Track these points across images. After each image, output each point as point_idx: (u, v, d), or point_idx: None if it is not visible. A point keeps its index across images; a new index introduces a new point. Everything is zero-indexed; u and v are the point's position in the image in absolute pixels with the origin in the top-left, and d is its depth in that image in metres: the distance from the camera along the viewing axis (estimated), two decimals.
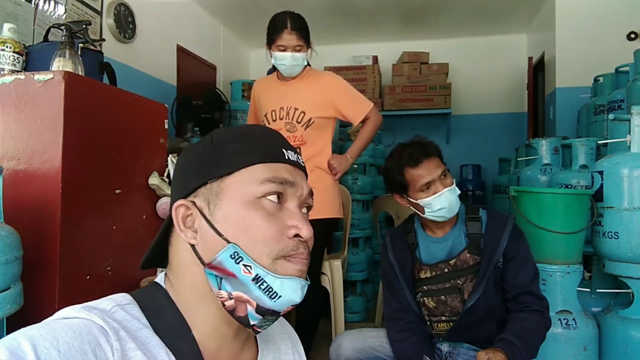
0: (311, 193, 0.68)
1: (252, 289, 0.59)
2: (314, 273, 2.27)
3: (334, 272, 2.54)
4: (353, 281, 3.44)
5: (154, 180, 1.85)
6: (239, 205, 0.61)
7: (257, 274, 0.59)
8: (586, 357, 1.98)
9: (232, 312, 0.60)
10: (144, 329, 0.58)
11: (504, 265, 1.54)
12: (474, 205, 1.68)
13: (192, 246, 0.62)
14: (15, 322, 1.29)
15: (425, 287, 1.60)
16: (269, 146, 0.65)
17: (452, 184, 1.57)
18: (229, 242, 0.59)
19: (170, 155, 1.96)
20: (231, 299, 0.60)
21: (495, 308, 1.56)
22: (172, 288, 0.64)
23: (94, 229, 1.59)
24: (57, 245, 1.42)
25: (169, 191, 1.88)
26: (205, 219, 0.61)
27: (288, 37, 2.09)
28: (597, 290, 2.30)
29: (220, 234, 0.60)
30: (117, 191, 1.70)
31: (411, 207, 1.62)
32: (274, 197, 0.62)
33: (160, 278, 0.67)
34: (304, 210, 0.67)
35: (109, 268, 1.65)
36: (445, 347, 1.62)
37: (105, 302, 0.58)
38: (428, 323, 1.62)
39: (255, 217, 0.60)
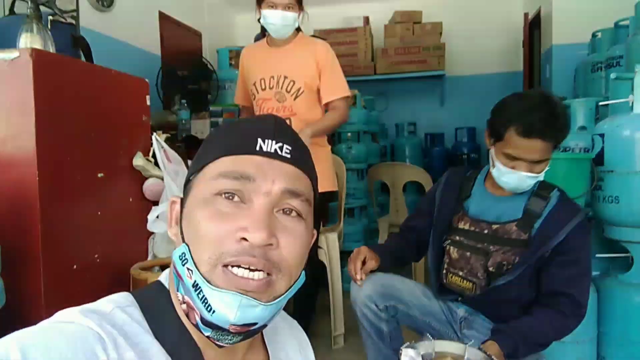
0: (291, 192, 0.57)
1: (193, 296, 0.53)
2: None
3: (330, 245, 2.51)
4: (350, 251, 3.41)
5: (138, 161, 1.77)
6: (196, 203, 0.56)
7: (195, 281, 0.53)
8: (585, 323, 1.94)
9: (188, 317, 0.56)
10: (144, 334, 0.54)
11: (550, 255, 1.41)
12: (550, 183, 1.51)
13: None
14: (2, 319, 1.24)
15: (457, 238, 1.54)
16: (241, 136, 0.58)
17: (540, 173, 1.41)
18: (183, 241, 0.56)
19: (155, 134, 1.87)
20: (184, 302, 0.56)
21: (524, 295, 1.47)
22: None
23: (77, 216, 1.52)
24: (38, 236, 1.35)
25: (155, 172, 1.80)
26: (180, 216, 0.60)
27: None
28: (596, 255, 2.28)
29: (182, 232, 0.58)
30: (99, 175, 1.62)
31: (489, 151, 1.53)
32: (229, 195, 0.55)
33: (163, 276, 0.62)
34: (280, 212, 0.57)
35: (97, 256, 1.59)
36: (461, 312, 1.57)
37: (105, 304, 0.55)
38: (444, 272, 1.57)
39: (201, 216, 0.54)
